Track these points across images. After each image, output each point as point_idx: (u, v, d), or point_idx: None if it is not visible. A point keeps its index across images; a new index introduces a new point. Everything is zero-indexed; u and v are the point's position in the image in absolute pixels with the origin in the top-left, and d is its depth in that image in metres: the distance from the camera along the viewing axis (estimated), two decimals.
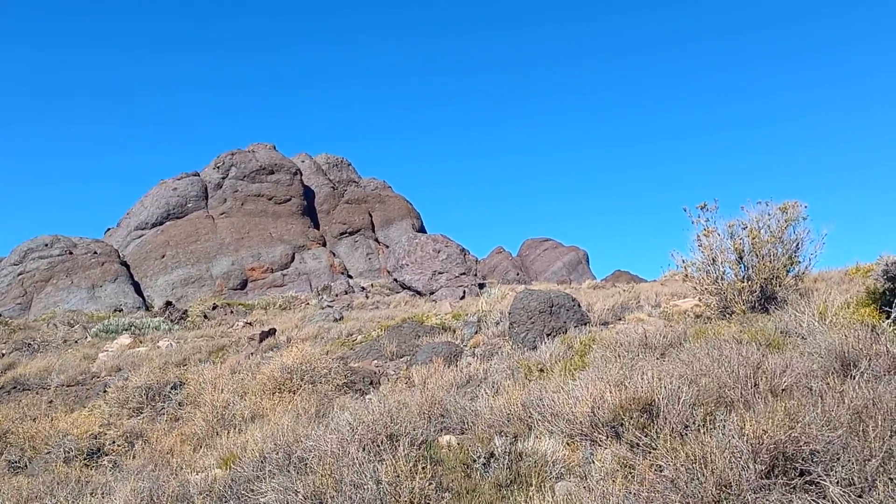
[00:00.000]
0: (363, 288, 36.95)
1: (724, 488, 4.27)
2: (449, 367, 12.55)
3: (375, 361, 14.14)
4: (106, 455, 9.46)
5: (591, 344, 10.45)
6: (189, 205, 52.25)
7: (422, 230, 55.70)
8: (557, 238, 65.86)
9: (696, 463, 4.46)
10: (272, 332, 18.63)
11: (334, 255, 52.74)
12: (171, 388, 11.73)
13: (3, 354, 25.33)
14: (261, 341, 17.85)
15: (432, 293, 32.57)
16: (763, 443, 4.47)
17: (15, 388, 15.54)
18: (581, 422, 5.86)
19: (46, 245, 47.16)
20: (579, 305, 13.15)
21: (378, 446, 5.78)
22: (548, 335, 12.51)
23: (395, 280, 35.05)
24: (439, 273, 33.48)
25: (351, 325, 19.29)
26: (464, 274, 33.64)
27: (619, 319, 13.92)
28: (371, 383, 12.21)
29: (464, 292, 31.99)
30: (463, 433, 7.81)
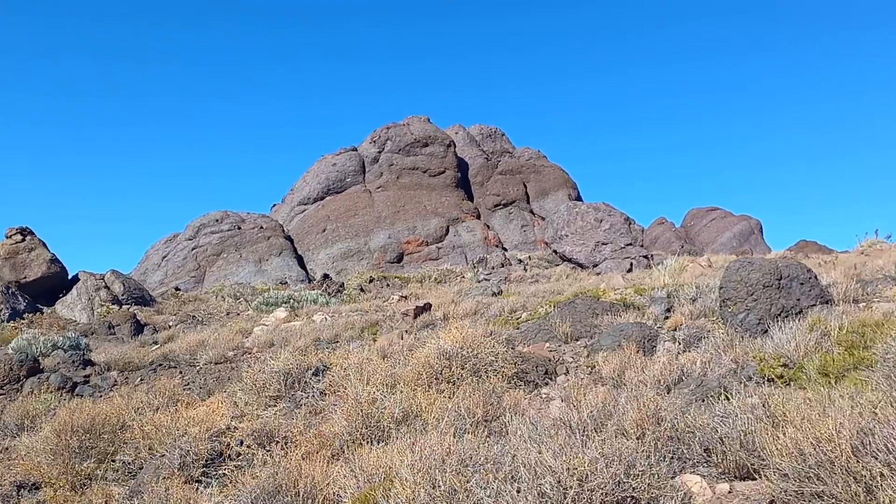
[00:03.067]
0: (520, 260, 34.44)
1: None
2: (644, 354, 9.77)
3: (547, 344, 11.58)
4: (230, 460, 7.55)
5: (863, 330, 7.30)
6: (348, 179, 51.90)
7: (578, 200, 52.28)
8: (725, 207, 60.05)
9: None
10: (427, 307, 16.54)
11: (488, 227, 50.60)
12: (313, 374, 9.77)
13: (170, 326, 25.15)
14: (415, 317, 15.79)
15: (595, 266, 29.51)
16: None
17: (162, 365, 14.38)
18: None
19: (217, 221, 48.34)
20: (817, 278, 9.88)
21: None
22: (776, 316, 9.39)
23: (555, 252, 32.24)
24: (603, 244, 30.32)
25: (513, 301, 16.82)
26: (630, 245, 30.28)
27: (870, 297, 10.47)
28: (546, 373, 9.66)
29: (631, 265, 28.69)
30: (709, 465, 5.09)
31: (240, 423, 8.75)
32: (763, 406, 5.37)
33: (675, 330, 10.41)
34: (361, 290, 29.12)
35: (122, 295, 31.17)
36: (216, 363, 14.62)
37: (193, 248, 46.05)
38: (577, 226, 32.16)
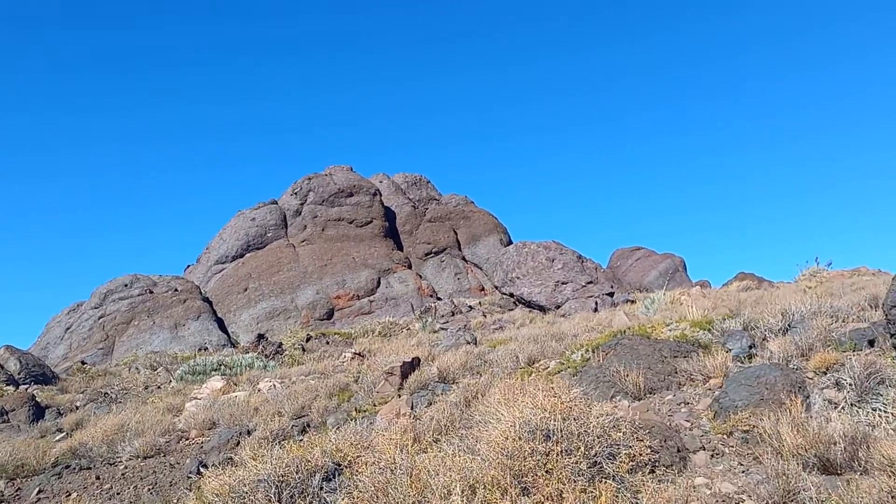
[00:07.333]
0: (470, 307, 31.13)
1: None
2: (806, 411, 6.55)
3: (623, 402, 8.22)
4: None
5: None
6: (269, 234, 47.51)
7: (510, 245, 49.74)
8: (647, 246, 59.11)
9: None
10: (416, 362, 12.88)
11: (420, 276, 47.20)
12: (323, 480, 6.02)
13: (77, 408, 20.22)
14: (403, 377, 12.11)
15: (558, 307, 26.52)
16: None
17: (70, 466, 10.06)
18: None
19: (126, 286, 42.81)
20: None
21: None
22: None
23: (511, 295, 29.12)
24: (563, 283, 27.44)
25: (516, 348, 13.42)
26: (591, 283, 27.53)
27: None
28: (678, 451, 6.27)
29: (596, 304, 25.86)
30: None
31: None
32: None
33: (826, 373, 7.27)
34: (303, 349, 24.97)
35: (19, 374, 25.73)
36: (145, 457, 10.44)
37: (101, 317, 40.35)
38: (529, 266, 29.24)
